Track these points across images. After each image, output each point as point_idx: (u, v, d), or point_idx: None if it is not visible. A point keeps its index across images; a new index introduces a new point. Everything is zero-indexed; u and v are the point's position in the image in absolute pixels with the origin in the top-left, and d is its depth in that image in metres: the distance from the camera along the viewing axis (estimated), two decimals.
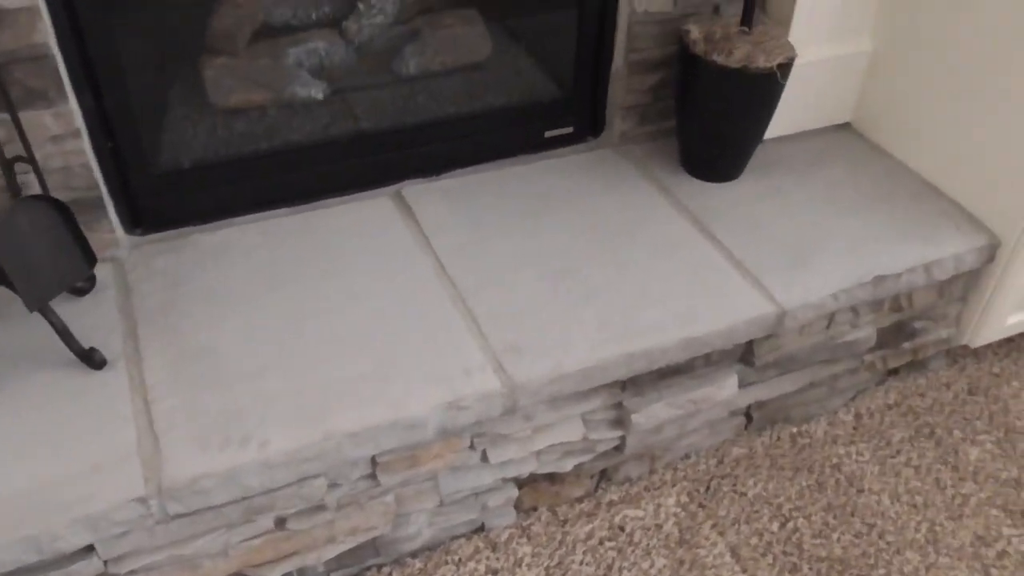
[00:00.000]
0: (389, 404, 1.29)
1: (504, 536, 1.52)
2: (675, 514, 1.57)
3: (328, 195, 1.70)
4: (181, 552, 1.26)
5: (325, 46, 1.69)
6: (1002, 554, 1.52)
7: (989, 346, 1.92)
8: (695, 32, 1.65)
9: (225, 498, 1.22)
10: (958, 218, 1.70)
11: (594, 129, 1.90)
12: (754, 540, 1.53)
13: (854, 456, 1.69)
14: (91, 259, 1.32)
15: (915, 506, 1.60)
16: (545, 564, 1.48)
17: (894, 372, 1.86)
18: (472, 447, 1.40)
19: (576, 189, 1.76)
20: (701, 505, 1.59)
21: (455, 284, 1.51)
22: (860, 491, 1.63)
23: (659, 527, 1.55)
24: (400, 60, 1.74)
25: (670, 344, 1.43)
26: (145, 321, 1.42)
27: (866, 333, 1.68)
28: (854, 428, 1.75)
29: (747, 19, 1.63)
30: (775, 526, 1.56)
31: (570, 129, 1.88)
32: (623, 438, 1.53)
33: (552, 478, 1.55)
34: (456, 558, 1.48)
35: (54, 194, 1.38)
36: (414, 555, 1.48)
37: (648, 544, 1.52)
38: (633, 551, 1.50)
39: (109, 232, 1.52)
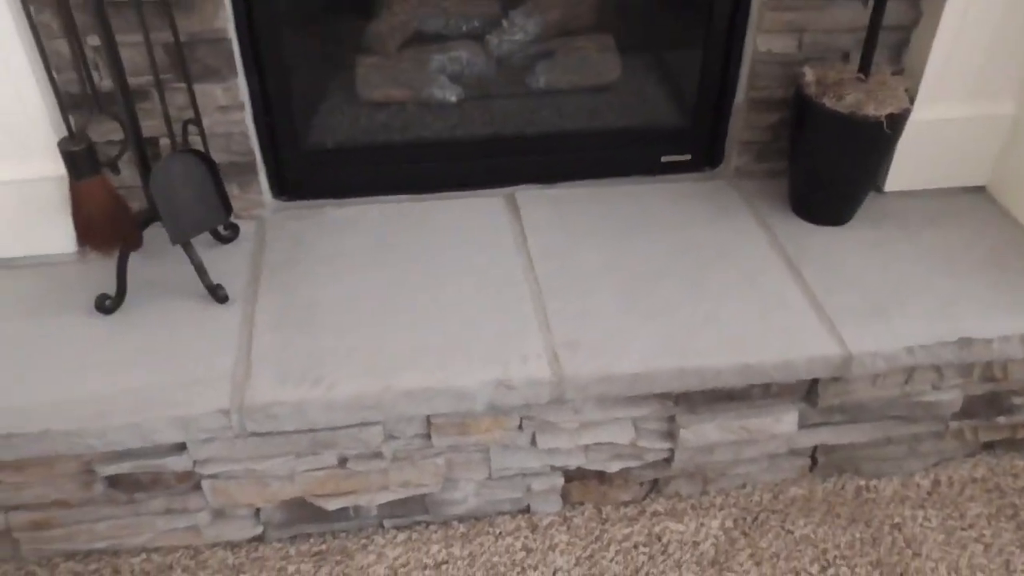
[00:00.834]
0: (446, 373, 1.44)
1: (546, 521, 1.62)
2: (716, 536, 1.60)
3: (448, 189, 1.89)
4: (255, 468, 1.47)
5: (467, 55, 1.88)
6: None
7: None
8: (810, 74, 1.69)
9: (293, 426, 1.41)
10: None
11: (711, 160, 1.97)
12: None
13: (920, 520, 1.65)
14: (228, 210, 1.56)
15: None
16: (577, 554, 1.57)
17: (989, 447, 1.78)
18: (521, 428, 1.52)
19: (679, 215, 1.83)
20: (744, 533, 1.61)
21: (538, 282, 1.64)
22: (917, 555, 1.59)
23: (696, 544, 1.59)
24: (532, 75, 1.90)
25: (724, 367, 1.48)
26: (268, 272, 1.66)
27: (950, 397, 1.64)
28: (928, 493, 1.70)
29: (865, 66, 1.65)
30: (815, 568, 1.56)
31: (687, 157, 1.95)
32: (672, 451, 1.59)
33: (602, 478, 1.63)
34: (497, 531, 1.60)
35: (215, 156, 1.63)
36: (459, 520, 1.62)
37: (681, 557, 1.56)
38: (664, 560, 1.56)
39: (257, 194, 1.78)
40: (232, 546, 1.57)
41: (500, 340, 1.51)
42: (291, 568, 1.54)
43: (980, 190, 1.93)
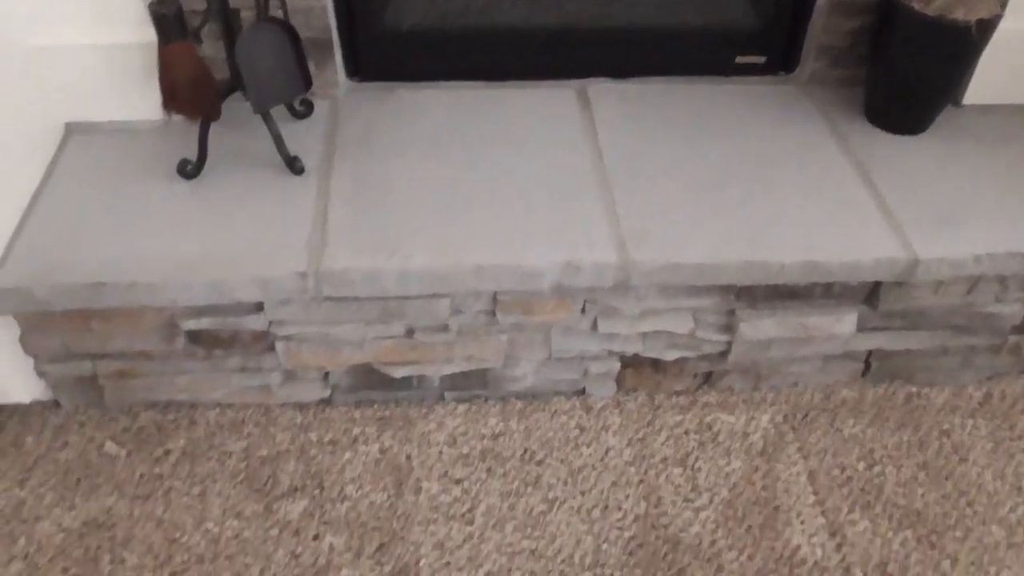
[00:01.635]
0: (515, 252, 1.47)
1: (600, 404, 1.68)
2: (765, 429, 1.65)
3: (521, 78, 1.89)
4: (327, 332, 1.53)
5: None
6: None
7: None
8: None
9: (366, 293, 1.46)
10: None
11: (786, 64, 1.94)
12: (835, 472, 1.58)
13: (969, 428, 1.67)
14: (308, 83, 1.59)
15: (1019, 489, 1.58)
16: (629, 436, 1.62)
17: None
18: (583, 312, 1.56)
19: (750, 117, 1.83)
20: (793, 428, 1.65)
21: (607, 172, 1.66)
22: (963, 460, 1.62)
23: (746, 435, 1.63)
24: None
25: (789, 263, 1.50)
26: (342, 148, 1.69)
27: (1012, 310, 1.65)
28: (979, 404, 1.72)
29: None
30: (861, 465, 1.60)
31: (762, 59, 1.93)
32: (729, 344, 1.63)
33: (657, 366, 1.67)
34: (552, 409, 1.66)
35: None
36: (517, 396, 1.68)
37: (730, 446, 1.61)
38: (714, 448, 1.61)
39: (332, 73, 1.80)
40: (300, 407, 1.65)
41: (568, 225, 1.54)
42: (356, 431, 1.61)
43: None
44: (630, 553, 1.44)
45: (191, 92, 1.51)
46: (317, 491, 1.52)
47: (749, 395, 1.71)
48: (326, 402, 1.66)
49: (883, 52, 1.74)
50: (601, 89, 1.89)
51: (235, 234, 1.49)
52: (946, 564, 1.46)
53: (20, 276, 1.41)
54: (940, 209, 1.60)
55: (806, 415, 1.68)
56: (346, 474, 1.54)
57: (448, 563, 1.42)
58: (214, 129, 1.62)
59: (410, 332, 1.56)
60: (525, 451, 1.59)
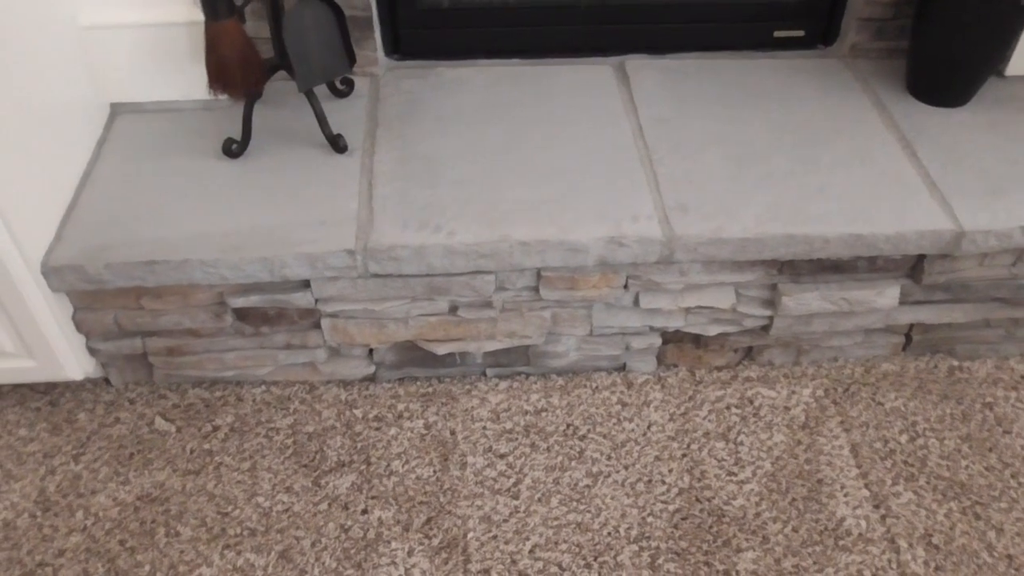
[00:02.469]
0: (560, 227, 1.48)
1: (641, 379, 1.69)
2: (806, 403, 1.65)
3: (560, 55, 1.89)
4: (373, 309, 1.55)
5: None
6: None
7: None
8: None
9: (413, 270, 1.48)
10: None
11: (825, 38, 1.93)
12: (878, 444, 1.59)
13: (1012, 401, 1.67)
14: (352, 60, 1.60)
15: None
16: (671, 411, 1.63)
17: None
18: (626, 287, 1.57)
19: (790, 90, 1.82)
20: (835, 402, 1.66)
21: (647, 147, 1.66)
22: (1007, 432, 1.62)
23: (787, 409, 1.64)
24: None
25: (833, 236, 1.49)
26: (384, 126, 1.70)
27: None
28: (1022, 377, 1.72)
29: None
30: (904, 438, 1.60)
31: (801, 33, 1.92)
32: (771, 319, 1.63)
33: (697, 341, 1.68)
34: (594, 385, 1.67)
35: None
36: (558, 373, 1.69)
37: (772, 420, 1.62)
38: (756, 422, 1.62)
39: (372, 51, 1.81)
40: (345, 384, 1.67)
41: (611, 200, 1.54)
42: (400, 407, 1.63)
43: None
44: (675, 525, 1.46)
45: (237, 70, 1.52)
46: (364, 466, 1.54)
47: (790, 369, 1.72)
48: (370, 379, 1.68)
49: (926, 23, 1.72)
50: (639, 64, 1.89)
51: (281, 212, 1.51)
52: (992, 535, 1.46)
53: (74, 255, 1.44)
54: (985, 180, 1.59)
55: (847, 389, 1.68)
56: (392, 449, 1.57)
57: (495, 536, 1.44)
58: (256, 108, 1.64)
59: (454, 309, 1.57)
60: (568, 426, 1.60)
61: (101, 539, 1.45)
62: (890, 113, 1.75)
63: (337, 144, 1.62)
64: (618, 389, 1.67)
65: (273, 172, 1.59)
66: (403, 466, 1.54)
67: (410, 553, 1.42)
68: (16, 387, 1.67)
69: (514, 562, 1.41)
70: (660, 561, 1.41)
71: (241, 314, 1.55)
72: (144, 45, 1.65)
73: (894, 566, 1.41)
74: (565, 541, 1.44)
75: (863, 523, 1.47)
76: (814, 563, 1.41)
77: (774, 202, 1.54)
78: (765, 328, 1.66)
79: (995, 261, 1.59)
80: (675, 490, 1.51)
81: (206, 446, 1.58)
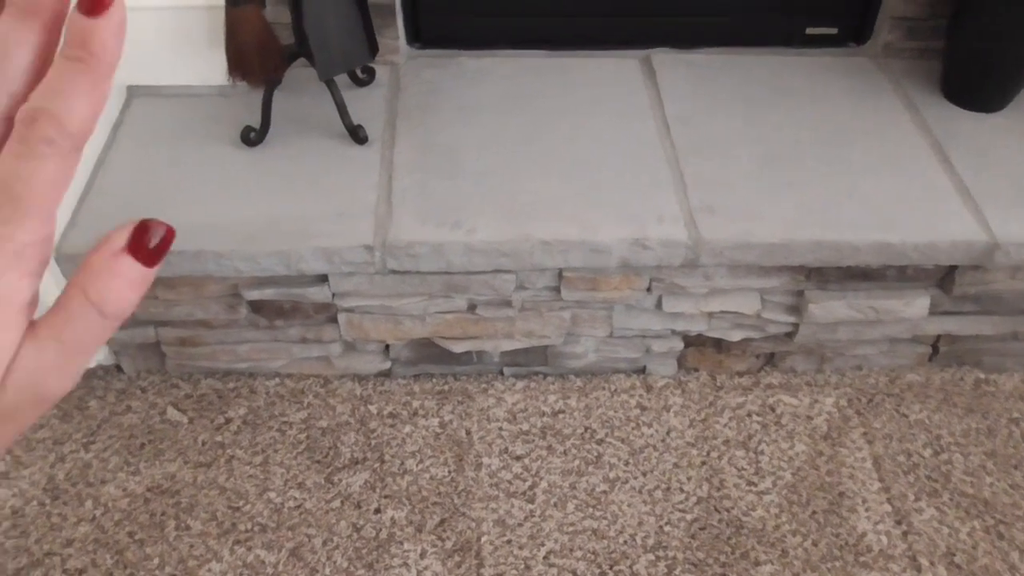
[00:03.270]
0: (582, 227, 1.45)
1: (661, 383, 1.65)
2: (829, 412, 1.62)
3: (584, 47, 1.85)
4: (389, 305, 1.52)
5: None
6: None
7: None
8: None
9: (432, 267, 1.45)
10: None
11: (857, 36, 1.88)
12: (901, 458, 1.55)
13: None
14: (374, 49, 1.56)
15: None
16: (691, 417, 1.60)
17: None
18: (649, 290, 1.53)
19: (820, 90, 1.77)
20: (858, 412, 1.62)
21: (673, 145, 1.62)
22: None
23: (809, 418, 1.61)
24: None
25: (863, 244, 1.46)
26: (404, 116, 1.67)
27: None
28: None
29: None
30: (927, 452, 1.57)
31: (833, 31, 1.87)
32: (796, 326, 1.59)
33: (719, 346, 1.65)
34: (612, 387, 1.64)
35: None
36: (576, 374, 1.66)
37: (793, 429, 1.59)
38: (777, 431, 1.59)
39: (394, 39, 1.77)
40: (360, 378, 1.65)
41: (636, 199, 1.50)
42: (415, 403, 1.61)
43: None
44: (692, 535, 1.43)
45: (257, 57, 1.49)
46: (378, 464, 1.52)
47: (812, 377, 1.68)
48: (385, 374, 1.65)
49: (964, 23, 1.67)
50: (666, 59, 1.84)
51: (299, 204, 1.48)
52: (1015, 556, 1.43)
53: (88, 241, 1.41)
54: (1020, 189, 1.55)
55: (871, 399, 1.65)
56: (406, 447, 1.54)
57: (509, 540, 1.42)
58: (274, 96, 1.60)
59: (472, 307, 1.54)
60: (585, 429, 1.57)
61: (110, 530, 1.43)
62: (922, 116, 1.71)
63: (357, 135, 1.58)
64: (637, 392, 1.64)
65: (291, 162, 1.56)
66: (417, 465, 1.52)
67: (423, 555, 1.40)
68: None
69: (528, 568, 1.39)
70: (677, 572, 1.38)
71: (256, 306, 1.52)
72: (163, 28, 1.61)
73: None
74: (580, 548, 1.41)
75: (884, 539, 1.44)
76: None
77: (802, 206, 1.50)
78: (789, 335, 1.62)
79: None
80: (693, 499, 1.48)
81: (218, 438, 1.56)
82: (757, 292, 1.56)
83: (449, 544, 1.41)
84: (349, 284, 1.49)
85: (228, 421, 1.58)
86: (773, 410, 1.62)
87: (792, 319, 1.59)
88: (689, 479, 1.50)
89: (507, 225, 1.45)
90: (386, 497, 1.47)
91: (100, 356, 1.61)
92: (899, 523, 1.46)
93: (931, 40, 1.81)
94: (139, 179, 1.52)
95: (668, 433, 1.57)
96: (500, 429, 1.57)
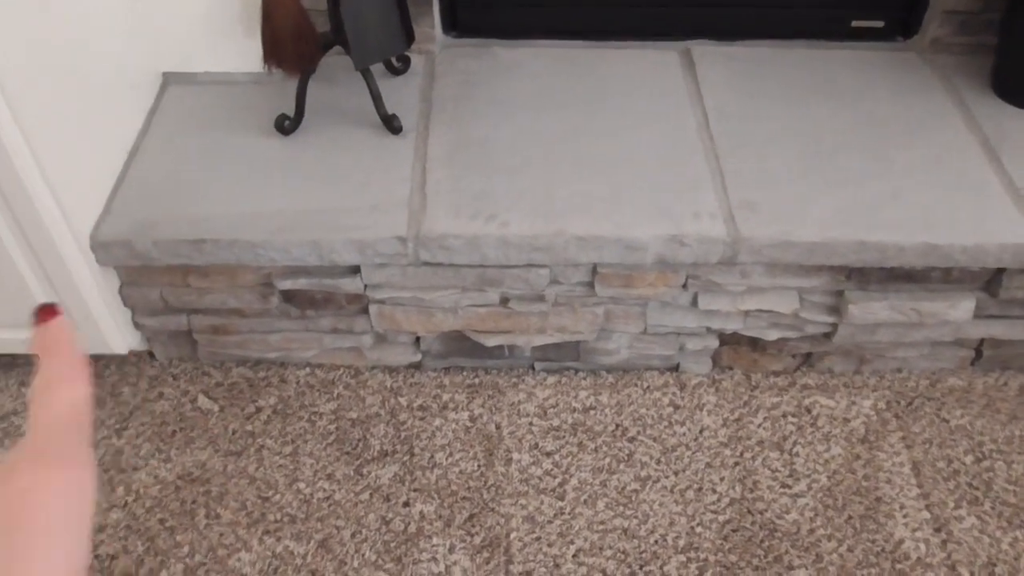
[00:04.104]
0: (618, 223, 1.42)
1: (694, 381, 1.63)
2: (867, 415, 1.58)
3: (622, 38, 1.81)
4: (422, 297, 1.50)
5: None
6: None
7: None
8: None
9: (465, 260, 1.43)
10: None
11: (905, 30, 1.83)
12: (941, 464, 1.52)
13: None
14: (410, 38, 1.54)
15: None
16: (724, 416, 1.57)
17: None
18: (685, 287, 1.51)
19: (866, 85, 1.72)
20: (897, 416, 1.59)
21: (713, 140, 1.59)
22: None
23: (846, 421, 1.57)
24: None
25: (908, 245, 1.42)
26: (439, 107, 1.65)
27: None
28: None
29: None
30: (969, 459, 1.53)
31: (880, 24, 1.82)
32: (835, 326, 1.56)
33: (755, 345, 1.61)
34: (645, 385, 1.62)
35: None
36: (608, 370, 1.64)
37: (830, 431, 1.56)
38: (813, 433, 1.55)
39: (429, 28, 1.75)
40: (390, 370, 1.64)
41: (673, 195, 1.48)
42: (445, 396, 1.60)
43: None
44: (725, 537, 1.41)
45: (292, 44, 1.48)
46: (407, 457, 1.51)
47: (850, 379, 1.65)
48: (416, 367, 1.64)
49: (1018, 18, 1.61)
50: (706, 51, 1.80)
51: (333, 194, 1.47)
52: None
53: (123, 230, 1.41)
54: None
55: (910, 403, 1.61)
56: (436, 441, 1.53)
57: (539, 538, 1.40)
58: (309, 85, 1.59)
59: (505, 301, 1.52)
60: (617, 426, 1.55)
61: (141, 517, 1.44)
62: (972, 114, 1.66)
63: (392, 125, 1.57)
64: (670, 390, 1.61)
65: (325, 151, 1.55)
66: (447, 459, 1.51)
67: (451, 550, 1.39)
68: None
69: (557, 566, 1.37)
70: (708, 574, 1.36)
71: (288, 296, 1.52)
72: (198, 14, 1.61)
73: None
74: (610, 547, 1.40)
75: (922, 547, 1.40)
76: None
77: (845, 205, 1.46)
78: (827, 335, 1.58)
79: None
80: (726, 500, 1.46)
81: (248, 427, 1.56)
82: (795, 291, 1.53)
83: (478, 540, 1.40)
84: (381, 276, 1.47)
85: (259, 410, 1.58)
86: (809, 411, 1.59)
87: (831, 319, 1.55)
88: (722, 480, 1.48)
89: (541, 220, 1.42)
90: (415, 490, 1.46)
91: (133, 343, 1.61)
92: (938, 531, 1.43)
93: (983, 35, 1.76)
94: (173, 167, 1.52)
95: (701, 432, 1.55)
96: (530, 424, 1.55)
